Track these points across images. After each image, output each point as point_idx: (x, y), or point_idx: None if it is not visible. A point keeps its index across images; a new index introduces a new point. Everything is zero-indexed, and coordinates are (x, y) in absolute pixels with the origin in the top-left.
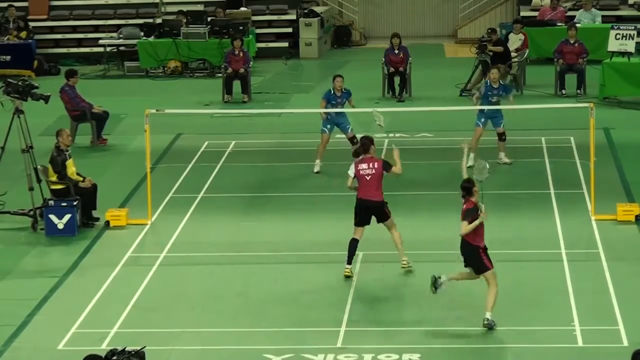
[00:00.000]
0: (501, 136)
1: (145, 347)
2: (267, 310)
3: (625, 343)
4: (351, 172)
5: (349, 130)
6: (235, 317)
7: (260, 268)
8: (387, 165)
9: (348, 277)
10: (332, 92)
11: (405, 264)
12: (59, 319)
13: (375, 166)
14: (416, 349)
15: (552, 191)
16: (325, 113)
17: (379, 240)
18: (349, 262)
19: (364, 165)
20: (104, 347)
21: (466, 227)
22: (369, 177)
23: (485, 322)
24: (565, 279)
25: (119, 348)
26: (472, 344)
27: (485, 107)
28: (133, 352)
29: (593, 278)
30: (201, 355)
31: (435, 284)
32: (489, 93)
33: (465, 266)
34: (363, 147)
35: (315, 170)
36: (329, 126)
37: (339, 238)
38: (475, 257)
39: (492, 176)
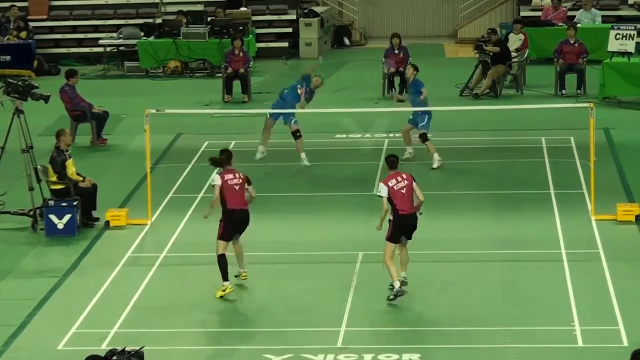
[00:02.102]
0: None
1: (144, 347)
2: (267, 310)
3: (625, 343)
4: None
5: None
6: (235, 317)
7: (260, 268)
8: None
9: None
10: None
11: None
12: (59, 319)
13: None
14: (416, 349)
15: (552, 191)
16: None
17: (378, 240)
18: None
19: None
20: (104, 347)
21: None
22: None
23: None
24: (565, 279)
25: (119, 348)
26: (472, 344)
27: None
28: (133, 352)
29: (593, 278)
30: (201, 355)
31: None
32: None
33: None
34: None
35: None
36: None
37: (338, 238)
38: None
39: (492, 175)
